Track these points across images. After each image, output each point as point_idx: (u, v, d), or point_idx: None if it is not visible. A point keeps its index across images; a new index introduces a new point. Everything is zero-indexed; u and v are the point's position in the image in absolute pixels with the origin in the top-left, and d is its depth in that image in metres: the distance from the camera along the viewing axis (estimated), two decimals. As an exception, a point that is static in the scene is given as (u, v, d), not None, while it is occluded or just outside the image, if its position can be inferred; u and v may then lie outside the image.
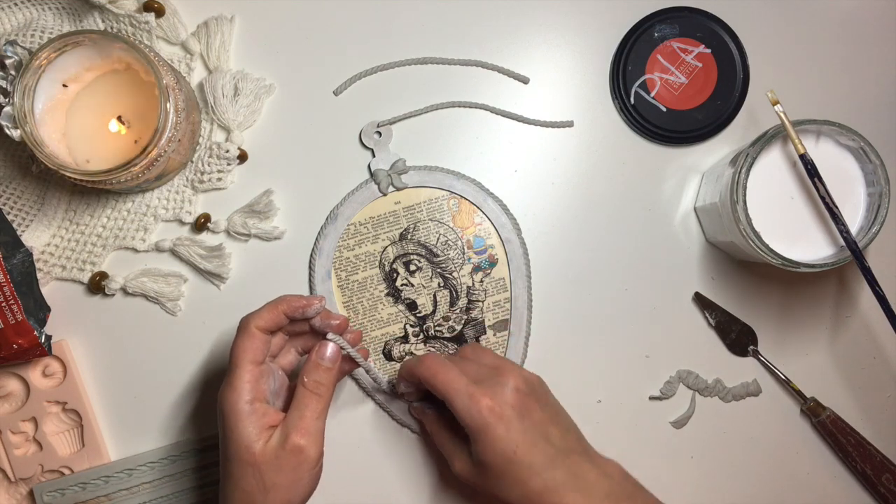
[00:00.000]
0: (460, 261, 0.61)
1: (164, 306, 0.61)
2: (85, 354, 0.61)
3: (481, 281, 0.61)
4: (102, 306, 0.61)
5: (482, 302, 0.61)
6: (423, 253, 0.61)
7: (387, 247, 0.61)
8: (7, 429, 0.60)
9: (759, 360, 0.61)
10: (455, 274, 0.61)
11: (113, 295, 0.61)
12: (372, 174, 0.61)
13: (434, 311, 0.61)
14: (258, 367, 0.51)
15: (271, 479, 0.48)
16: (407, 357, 0.60)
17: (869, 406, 0.62)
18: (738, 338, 0.61)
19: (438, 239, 0.61)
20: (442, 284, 0.61)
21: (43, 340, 0.57)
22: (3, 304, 0.55)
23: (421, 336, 0.61)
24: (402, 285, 0.61)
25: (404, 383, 0.56)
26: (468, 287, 0.61)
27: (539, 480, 0.49)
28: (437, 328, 0.61)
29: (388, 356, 0.61)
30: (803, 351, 0.62)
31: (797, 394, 0.61)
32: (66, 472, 0.60)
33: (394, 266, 0.61)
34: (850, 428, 0.60)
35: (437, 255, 0.61)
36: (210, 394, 0.61)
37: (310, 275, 0.60)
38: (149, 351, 0.61)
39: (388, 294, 0.61)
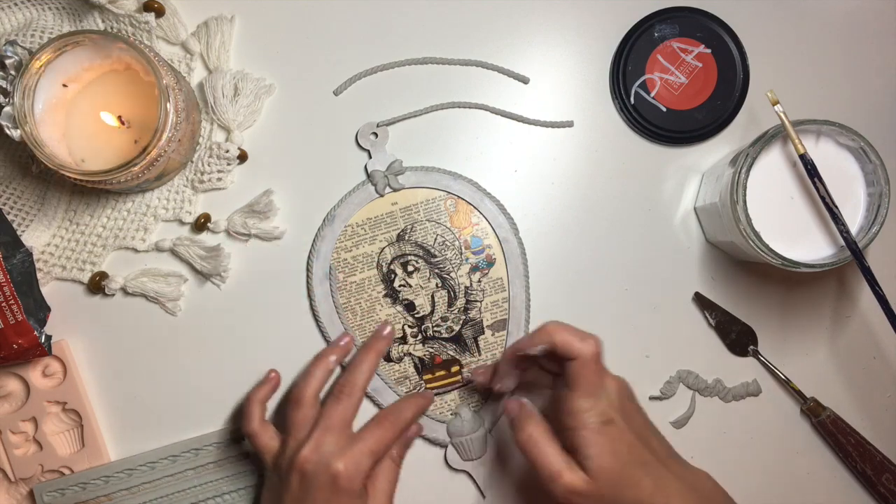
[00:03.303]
0: (458, 261, 0.61)
1: (164, 306, 0.61)
2: (85, 354, 0.61)
3: (479, 281, 0.61)
4: (102, 306, 0.61)
5: (480, 302, 0.61)
6: (421, 253, 0.61)
7: (384, 248, 0.61)
8: (7, 429, 0.60)
9: (759, 360, 0.61)
10: (453, 274, 0.61)
11: (113, 295, 0.61)
12: (368, 175, 0.61)
13: (432, 312, 0.61)
14: None
15: None
16: (405, 357, 0.60)
17: (869, 406, 0.62)
18: (738, 338, 0.61)
19: (436, 239, 0.61)
20: (440, 285, 0.60)
21: (43, 340, 0.57)
22: (3, 304, 0.56)
23: (419, 337, 0.61)
24: (400, 286, 0.61)
25: (508, 364, 0.56)
26: (466, 287, 0.61)
27: (650, 481, 0.49)
28: (435, 329, 0.61)
29: (386, 357, 0.61)
30: (803, 351, 0.62)
31: (797, 394, 0.61)
32: (66, 472, 0.60)
33: (391, 267, 0.61)
34: (850, 428, 0.60)
35: (435, 256, 0.61)
36: (209, 393, 0.61)
37: (307, 277, 0.61)
38: (149, 351, 0.61)
39: (385, 295, 0.61)
